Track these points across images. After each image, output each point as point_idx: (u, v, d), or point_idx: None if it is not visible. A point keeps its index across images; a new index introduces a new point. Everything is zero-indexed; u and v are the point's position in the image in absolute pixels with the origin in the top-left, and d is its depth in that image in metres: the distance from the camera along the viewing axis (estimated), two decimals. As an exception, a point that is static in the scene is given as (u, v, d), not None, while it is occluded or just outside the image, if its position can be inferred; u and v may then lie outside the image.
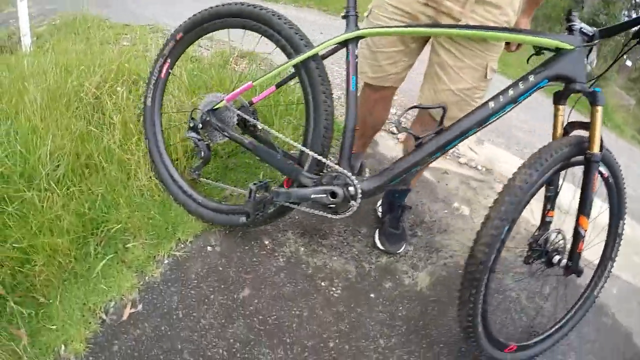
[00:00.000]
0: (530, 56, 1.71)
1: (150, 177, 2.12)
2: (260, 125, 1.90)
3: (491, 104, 1.55)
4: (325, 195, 1.69)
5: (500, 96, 1.54)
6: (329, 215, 1.76)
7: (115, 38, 3.93)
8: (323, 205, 1.73)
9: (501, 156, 3.55)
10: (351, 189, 1.67)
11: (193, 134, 1.98)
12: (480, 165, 3.22)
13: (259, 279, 1.94)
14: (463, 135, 1.58)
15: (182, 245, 2.00)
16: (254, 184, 1.78)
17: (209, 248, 2.01)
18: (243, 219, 1.92)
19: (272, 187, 1.82)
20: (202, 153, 1.98)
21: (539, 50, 1.62)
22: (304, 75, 1.75)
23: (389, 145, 3.12)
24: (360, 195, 1.67)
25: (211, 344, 1.68)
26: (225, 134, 1.91)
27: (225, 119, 1.93)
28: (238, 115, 1.90)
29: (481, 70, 1.74)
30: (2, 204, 1.83)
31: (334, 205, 1.70)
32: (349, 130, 1.72)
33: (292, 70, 1.81)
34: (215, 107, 1.92)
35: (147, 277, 1.84)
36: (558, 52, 1.52)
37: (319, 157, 1.73)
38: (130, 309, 1.74)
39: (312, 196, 1.71)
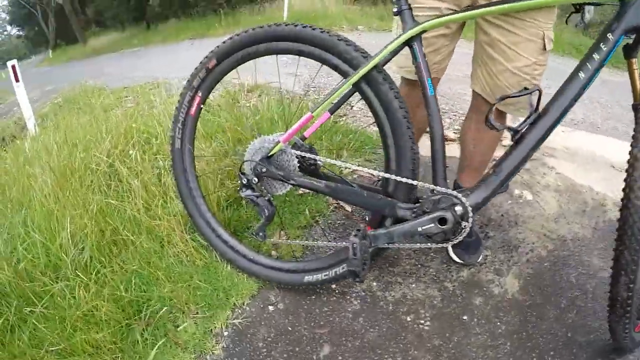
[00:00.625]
0: (570, 14, 1.53)
1: (187, 240, 1.81)
2: (329, 162, 1.55)
3: (581, 74, 1.29)
4: (433, 224, 1.37)
5: (587, 63, 1.29)
6: (438, 245, 1.46)
7: (117, 102, 3.70)
8: (428, 237, 1.41)
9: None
10: (459, 208, 1.35)
11: (249, 192, 1.61)
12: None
13: (336, 331, 1.60)
14: (563, 114, 1.32)
15: (240, 311, 1.66)
16: (355, 235, 1.41)
17: (270, 308, 1.68)
18: (337, 272, 1.60)
19: (368, 232, 1.48)
20: (266, 211, 1.62)
21: (579, 6, 1.46)
22: (368, 91, 1.44)
23: (426, 144, 2.78)
24: (471, 214, 1.35)
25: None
26: (292, 182, 1.55)
27: (283, 164, 1.57)
28: (297, 156, 1.56)
29: (539, 41, 1.48)
30: (30, 303, 1.56)
31: (442, 233, 1.40)
32: (438, 141, 1.41)
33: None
34: (271, 153, 1.55)
35: (208, 357, 1.52)
36: (622, 3, 1.27)
37: (414, 182, 1.42)
38: (199, 396, 1.43)
39: (419, 229, 1.38)
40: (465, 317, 1.67)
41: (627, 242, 1.23)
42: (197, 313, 1.61)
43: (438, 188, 1.39)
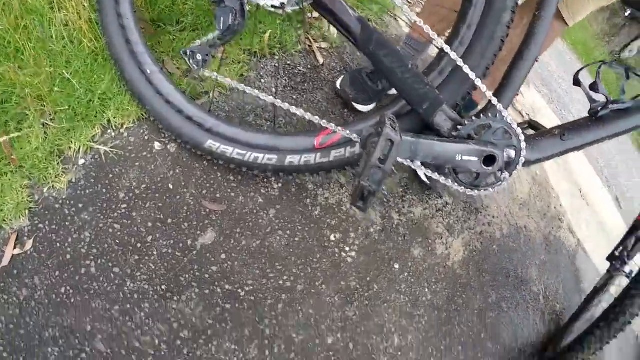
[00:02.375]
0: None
1: (83, 7, 1.13)
2: None
3: None
4: (477, 158, 0.91)
5: None
6: (457, 187, 0.97)
7: None
8: (455, 171, 0.95)
9: (543, 109, 2.79)
10: (510, 153, 0.93)
11: None
12: (525, 112, 2.49)
13: (233, 216, 1.06)
14: None
15: (113, 135, 1.07)
16: (392, 127, 0.83)
17: (157, 145, 1.09)
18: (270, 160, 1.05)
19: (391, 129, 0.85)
20: (229, 19, 0.91)
21: None
22: None
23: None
24: (519, 167, 0.94)
25: (142, 329, 0.88)
26: None
27: None
28: None
29: None
30: None
31: (475, 176, 0.96)
32: (531, 56, 0.95)
33: None
34: None
35: (45, 190, 0.98)
36: None
37: (479, 84, 0.92)
38: (15, 247, 0.92)
39: (458, 158, 0.91)
40: (396, 266, 1.21)
41: None
42: (53, 119, 1.03)
43: (504, 111, 0.91)
